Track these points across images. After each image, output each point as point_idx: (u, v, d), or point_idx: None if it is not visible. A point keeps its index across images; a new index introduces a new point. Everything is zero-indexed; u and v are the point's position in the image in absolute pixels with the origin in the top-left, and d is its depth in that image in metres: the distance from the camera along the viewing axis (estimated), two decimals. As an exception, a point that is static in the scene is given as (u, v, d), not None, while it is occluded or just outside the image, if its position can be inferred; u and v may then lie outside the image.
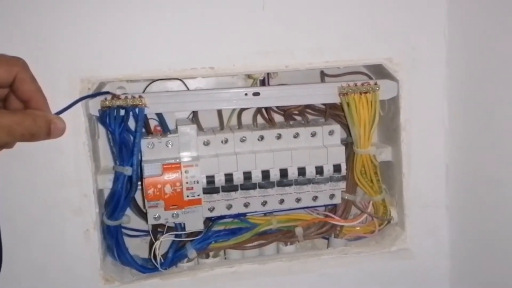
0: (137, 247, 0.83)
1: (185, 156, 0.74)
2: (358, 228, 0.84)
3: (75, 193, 0.72)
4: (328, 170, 0.76)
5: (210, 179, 0.74)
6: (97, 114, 0.73)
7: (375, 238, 0.84)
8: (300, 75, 0.82)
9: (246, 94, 0.75)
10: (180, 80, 0.78)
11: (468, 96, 0.75)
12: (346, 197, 0.82)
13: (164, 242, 0.77)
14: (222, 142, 0.76)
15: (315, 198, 0.79)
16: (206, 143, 0.76)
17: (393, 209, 0.83)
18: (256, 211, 0.79)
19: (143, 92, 0.79)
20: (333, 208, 0.84)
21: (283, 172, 0.76)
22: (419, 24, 0.75)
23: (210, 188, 0.74)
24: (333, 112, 0.81)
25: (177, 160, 0.73)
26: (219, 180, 0.74)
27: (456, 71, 0.75)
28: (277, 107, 0.81)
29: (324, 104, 0.82)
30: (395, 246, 0.80)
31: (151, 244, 0.80)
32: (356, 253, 0.80)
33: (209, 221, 0.80)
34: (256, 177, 0.75)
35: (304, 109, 0.81)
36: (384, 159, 0.82)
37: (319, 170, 0.76)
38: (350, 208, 0.83)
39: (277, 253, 0.83)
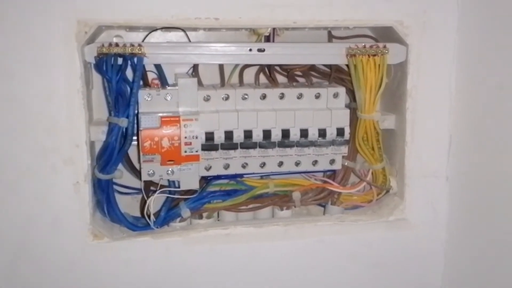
0: (127, 205, 0.80)
1: (185, 110, 0.71)
2: (356, 197, 0.82)
3: (66, 142, 0.68)
4: (331, 133, 0.74)
5: (209, 136, 0.71)
6: (93, 61, 0.69)
7: (373, 207, 0.82)
8: (305, 37, 0.79)
9: (250, 50, 0.72)
10: (182, 30, 0.75)
11: (477, 64, 0.73)
12: (345, 164, 0.80)
13: (155, 201, 0.74)
14: (223, 98, 0.73)
15: (315, 162, 0.77)
16: (207, 99, 0.73)
17: (392, 178, 0.81)
18: (254, 173, 0.77)
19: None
20: (331, 175, 0.82)
21: (285, 133, 0.73)
22: (432, -14, 0.73)
23: (209, 145, 0.71)
24: (337, 76, 0.79)
25: (176, 114, 0.70)
26: (219, 137, 0.71)
27: (467, 38, 0.73)
28: (280, 67, 0.78)
29: (329, 67, 0.79)
30: (393, 215, 0.79)
31: (143, 203, 0.78)
32: (353, 221, 0.78)
33: (204, 181, 0.77)
34: (257, 136, 0.72)
35: (308, 71, 0.78)
36: (387, 127, 0.80)
37: (322, 133, 0.74)
38: (349, 176, 0.81)
39: (272, 217, 0.81)
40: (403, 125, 0.77)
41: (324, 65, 0.80)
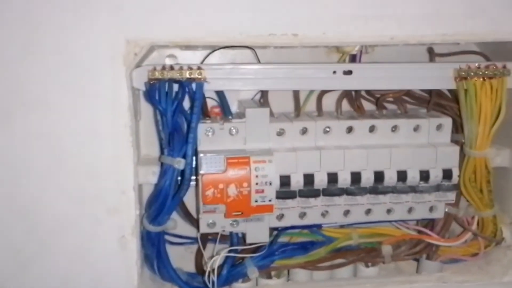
0: (180, 257, 0.67)
1: (254, 148, 0.58)
2: (457, 248, 0.67)
3: (110, 188, 0.56)
4: (435, 176, 0.59)
5: (285, 180, 0.57)
6: (143, 88, 0.56)
7: (478, 262, 0.67)
8: (399, 54, 0.65)
9: (334, 72, 0.58)
10: (251, 48, 0.61)
11: None
12: (446, 210, 0.65)
13: (212, 250, 0.62)
14: (300, 132, 0.59)
15: (410, 209, 0.62)
16: (280, 133, 0.59)
17: (505, 228, 0.66)
18: (336, 222, 0.62)
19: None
20: (428, 223, 0.67)
21: (378, 176, 0.59)
22: None
23: (285, 191, 0.58)
24: (437, 101, 0.64)
25: (244, 153, 0.56)
26: (297, 182, 0.57)
27: None
28: (367, 91, 0.64)
29: (427, 91, 0.64)
30: (508, 275, 0.64)
31: (199, 256, 0.65)
32: (458, 282, 0.64)
33: (273, 231, 0.63)
34: (344, 180, 0.58)
35: (401, 96, 0.64)
36: (499, 164, 0.65)
37: (425, 175, 0.59)
38: (450, 224, 0.66)
39: (353, 276, 0.67)
40: (521, 163, 0.62)
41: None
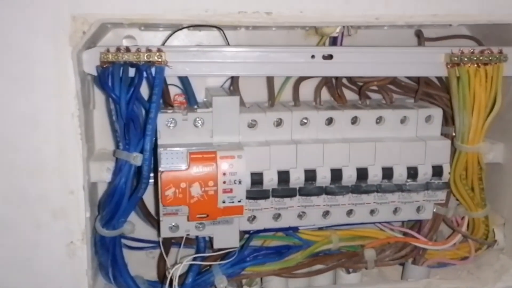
0: (140, 263, 0.61)
1: (222, 142, 0.51)
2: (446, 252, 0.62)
3: (56, 188, 0.50)
4: (424, 173, 0.53)
5: (257, 178, 0.51)
6: (94, 73, 0.49)
7: (468, 267, 0.62)
8: (384, 38, 0.59)
9: (313, 57, 0.51)
10: (218, 28, 0.54)
11: None
12: (434, 210, 0.59)
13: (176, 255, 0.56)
14: (274, 124, 0.53)
15: (396, 210, 0.57)
16: (252, 125, 0.52)
17: (497, 230, 0.61)
18: (314, 225, 0.56)
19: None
20: (414, 224, 0.61)
21: (362, 173, 0.52)
22: None
23: (256, 191, 0.51)
24: (426, 91, 0.58)
25: (211, 147, 0.50)
26: (270, 180, 0.51)
27: None
28: (349, 79, 0.58)
29: (415, 80, 0.58)
30: (501, 282, 0.59)
31: (161, 262, 0.58)
32: (448, 290, 0.58)
33: (244, 232, 0.57)
34: (323, 178, 0.52)
35: (386, 84, 0.58)
36: (492, 160, 0.60)
37: (412, 173, 0.53)
38: (438, 226, 0.61)
39: (333, 284, 0.61)
40: (517, 159, 0.57)
41: (407, 77, 0.59)
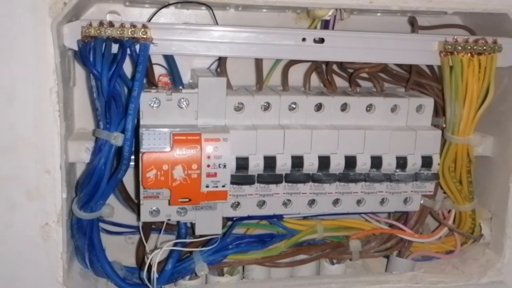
0: (119, 249, 0.59)
1: (207, 124, 0.49)
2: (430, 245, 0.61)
3: (31, 166, 0.48)
4: (413, 163, 0.52)
5: (242, 163, 0.49)
6: (75, 47, 0.47)
7: (452, 260, 0.61)
8: (376, 24, 0.58)
9: (304, 40, 0.50)
10: (207, 6, 0.52)
11: None
12: (422, 202, 0.58)
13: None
14: (262, 108, 0.51)
15: (383, 201, 0.55)
16: (239, 108, 0.51)
17: (484, 224, 0.61)
18: (299, 213, 0.55)
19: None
20: (400, 216, 0.60)
21: (350, 161, 0.51)
22: None
23: (241, 176, 0.49)
24: (417, 80, 0.56)
25: (195, 129, 0.48)
26: (256, 166, 0.49)
27: None
28: (340, 65, 0.56)
29: (406, 68, 0.57)
30: (486, 276, 0.58)
31: (141, 247, 0.56)
32: (432, 283, 0.57)
33: (227, 220, 0.55)
34: (310, 165, 0.50)
35: (377, 72, 0.56)
36: (481, 153, 0.59)
37: (401, 163, 0.52)
38: (425, 218, 0.60)
39: (317, 274, 0.60)
40: (506, 151, 0.57)
41: (397, 65, 0.58)
